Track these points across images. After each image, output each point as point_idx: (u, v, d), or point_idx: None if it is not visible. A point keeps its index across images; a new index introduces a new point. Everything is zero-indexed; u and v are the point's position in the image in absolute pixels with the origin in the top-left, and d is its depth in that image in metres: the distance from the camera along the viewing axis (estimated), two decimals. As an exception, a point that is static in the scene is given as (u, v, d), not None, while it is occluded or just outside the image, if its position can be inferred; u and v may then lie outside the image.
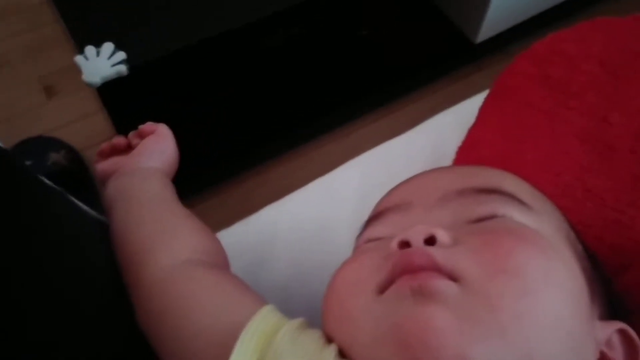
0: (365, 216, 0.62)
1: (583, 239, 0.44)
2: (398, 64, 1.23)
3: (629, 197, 0.46)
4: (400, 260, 0.34)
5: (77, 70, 0.87)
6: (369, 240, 0.42)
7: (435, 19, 1.28)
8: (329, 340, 0.36)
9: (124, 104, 0.94)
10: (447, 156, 0.61)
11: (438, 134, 0.68)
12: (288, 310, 0.59)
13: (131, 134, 0.58)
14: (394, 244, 0.35)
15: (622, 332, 0.38)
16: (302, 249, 0.62)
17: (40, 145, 1.18)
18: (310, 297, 0.60)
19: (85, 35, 0.88)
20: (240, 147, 1.09)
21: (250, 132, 1.09)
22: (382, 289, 0.34)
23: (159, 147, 0.55)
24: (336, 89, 1.16)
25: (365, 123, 1.24)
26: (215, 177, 1.11)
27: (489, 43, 1.26)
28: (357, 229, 0.62)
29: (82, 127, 1.24)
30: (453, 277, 0.32)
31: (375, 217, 0.44)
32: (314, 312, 0.58)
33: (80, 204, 0.48)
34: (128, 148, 0.57)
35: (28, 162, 1.15)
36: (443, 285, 0.32)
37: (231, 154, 1.09)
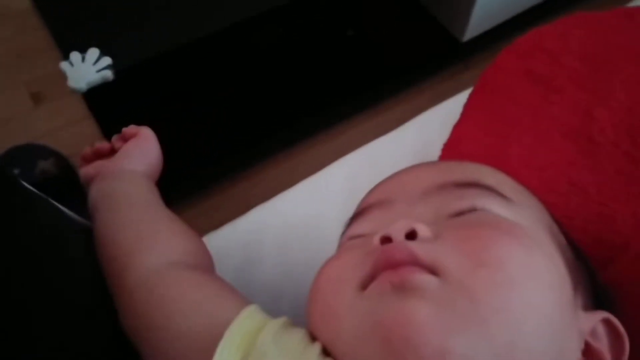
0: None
1: (567, 232, 0.44)
2: (385, 64, 1.23)
3: (612, 190, 0.47)
4: (382, 256, 0.34)
5: (64, 77, 0.87)
6: (352, 238, 0.42)
7: (421, 18, 1.29)
8: (313, 338, 0.36)
9: (111, 109, 0.94)
10: (434, 154, 0.62)
11: (424, 132, 0.68)
12: (278, 309, 0.59)
13: (114, 138, 0.58)
14: (376, 240, 0.36)
15: (606, 322, 0.38)
16: (291, 249, 0.62)
17: (28, 153, 1.18)
18: (300, 296, 0.59)
19: (70, 41, 0.88)
20: (229, 149, 1.09)
21: (238, 134, 1.09)
22: (365, 285, 0.34)
23: (141, 149, 0.54)
24: (324, 90, 1.17)
25: (354, 124, 1.24)
26: (204, 180, 1.11)
27: (476, 42, 1.26)
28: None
29: (71, 133, 1.24)
30: (433, 271, 0.33)
31: (358, 214, 0.44)
32: (304, 311, 0.58)
33: (65, 210, 0.48)
34: (111, 152, 0.57)
35: (16, 171, 1.15)
36: (423, 279, 0.32)
37: (220, 156, 1.09)
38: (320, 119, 1.19)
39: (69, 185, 1.16)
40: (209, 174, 1.10)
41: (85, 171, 0.56)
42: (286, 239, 0.62)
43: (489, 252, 0.33)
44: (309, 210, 0.64)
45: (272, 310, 0.58)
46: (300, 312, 0.57)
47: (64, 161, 1.20)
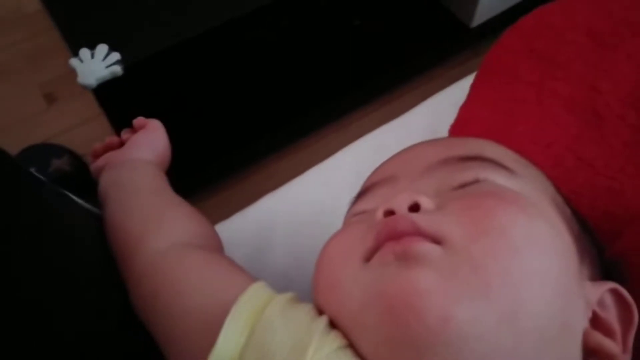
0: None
1: (572, 205, 0.44)
2: (394, 52, 1.22)
3: (619, 163, 0.46)
4: (384, 227, 0.34)
5: (76, 76, 0.88)
6: (356, 214, 0.42)
7: (428, 5, 1.28)
8: (320, 312, 0.36)
9: (122, 104, 0.94)
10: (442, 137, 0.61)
11: (433, 116, 0.68)
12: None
13: (124, 132, 0.59)
14: (379, 213, 0.36)
15: (614, 292, 0.37)
16: (301, 236, 0.62)
17: (42, 152, 1.19)
18: (311, 283, 0.60)
19: (79, 38, 0.89)
20: (240, 142, 1.09)
21: (249, 127, 1.09)
22: (368, 256, 0.34)
23: (149, 139, 0.55)
24: (333, 81, 1.16)
25: (364, 113, 1.24)
26: (216, 174, 1.11)
27: (485, 27, 1.25)
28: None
29: (84, 131, 1.25)
30: (436, 241, 0.33)
31: (362, 192, 0.44)
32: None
33: (72, 195, 0.48)
34: (121, 145, 0.57)
35: (32, 169, 1.16)
36: (426, 248, 0.32)
37: (231, 149, 1.09)
38: (330, 110, 1.19)
39: (84, 183, 1.17)
40: (220, 167, 1.11)
41: (95, 165, 0.57)
42: (296, 227, 0.62)
43: (492, 220, 0.33)
44: (319, 198, 0.65)
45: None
46: (311, 299, 0.58)
47: (78, 159, 1.21)
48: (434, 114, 0.69)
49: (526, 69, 0.54)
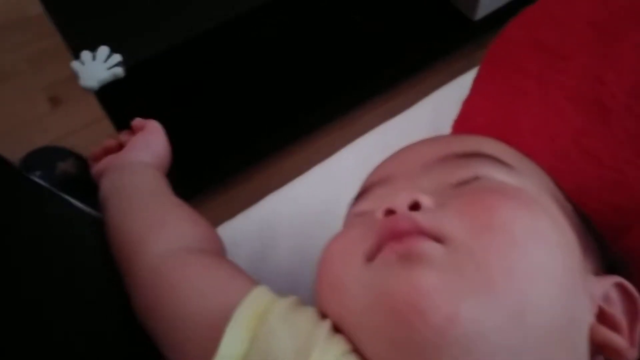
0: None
1: (582, 203, 0.44)
2: (396, 47, 1.21)
3: (625, 155, 0.45)
4: (386, 227, 0.34)
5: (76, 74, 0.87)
6: (356, 215, 0.42)
7: (431, -1, 1.27)
8: (323, 316, 0.36)
9: (124, 106, 0.94)
10: (446, 132, 0.61)
11: (436, 112, 0.68)
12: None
13: (122, 134, 0.58)
14: (379, 213, 0.35)
15: (619, 287, 0.37)
16: (304, 235, 0.62)
17: (47, 155, 1.19)
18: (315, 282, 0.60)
19: (80, 40, 0.89)
20: (243, 141, 1.09)
21: (252, 125, 1.09)
22: (370, 257, 0.34)
23: (147, 141, 0.55)
24: (335, 78, 1.16)
25: (369, 109, 1.23)
26: (220, 173, 1.11)
27: (488, 19, 1.24)
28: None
29: (89, 134, 1.26)
30: (438, 239, 0.32)
31: (361, 193, 0.44)
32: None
33: (73, 201, 0.48)
34: (120, 147, 0.57)
35: (37, 173, 1.17)
36: (428, 247, 0.32)
37: (235, 148, 1.09)
38: (333, 107, 1.18)
39: (89, 185, 1.17)
40: (223, 167, 1.11)
41: (95, 169, 0.57)
42: (300, 226, 0.62)
43: (493, 216, 0.33)
44: (323, 196, 0.64)
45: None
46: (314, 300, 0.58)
47: (83, 162, 1.21)
48: (437, 109, 0.68)
49: (530, 61, 0.53)
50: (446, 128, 0.62)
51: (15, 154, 1.20)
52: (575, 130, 0.48)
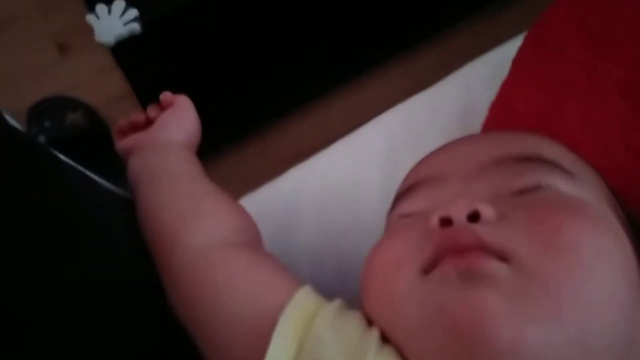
0: (391, 175, 0.60)
1: (625, 202, 0.42)
2: (413, 6, 1.17)
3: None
4: (445, 240, 0.32)
5: (90, 27, 0.85)
6: (403, 216, 0.40)
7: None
8: (370, 322, 0.35)
9: (140, 62, 0.91)
10: (477, 112, 0.59)
11: (466, 88, 0.65)
12: (318, 273, 0.59)
13: (150, 108, 0.56)
14: (434, 221, 0.34)
15: None
16: (329, 211, 0.61)
17: (57, 105, 1.17)
18: (341, 259, 0.59)
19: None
20: (258, 101, 1.07)
21: (267, 85, 1.06)
22: (426, 269, 0.32)
23: (178, 119, 0.53)
24: (352, 37, 1.12)
25: (386, 70, 1.20)
26: (236, 132, 1.09)
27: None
28: (384, 189, 0.61)
29: (99, 84, 1.23)
30: (502, 257, 0.31)
31: (406, 191, 0.41)
32: (344, 275, 0.58)
33: (103, 182, 0.47)
34: (147, 123, 0.55)
35: (47, 124, 1.15)
36: (493, 266, 0.30)
37: (249, 108, 1.07)
38: (350, 67, 1.15)
39: (99, 138, 1.15)
40: (240, 126, 1.09)
41: (121, 145, 0.54)
42: (325, 201, 0.61)
43: (562, 235, 0.32)
44: (347, 171, 0.63)
45: (314, 274, 0.58)
46: (341, 277, 0.57)
47: (93, 113, 1.19)
48: (467, 85, 0.65)
49: (575, 47, 0.51)
50: (477, 106, 0.60)
51: (22, 103, 1.19)
52: (623, 124, 0.47)
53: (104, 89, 1.21)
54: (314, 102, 1.14)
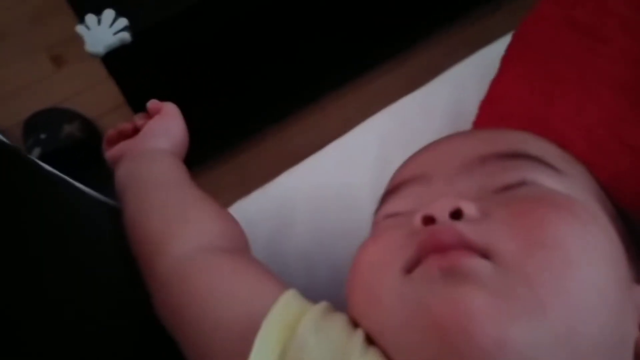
0: (385, 178, 0.60)
1: (618, 197, 0.41)
2: (408, 9, 1.17)
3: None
4: (427, 239, 0.31)
5: (83, 39, 0.85)
6: (388, 216, 0.39)
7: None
8: (355, 324, 0.34)
9: (131, 71, 0.91)
10: (469, 112, 0.58)
11: (457, 87, 0.64)
12: (311, 278, 0.58)
13: (137, 117, 0.56)
14: (417, 220, 0.33)
15: None
16: (322, 215, 0.60)
17: (52, 117, 1.17)
18: (333, 263, 0.58)
19: (84, 3, 0.85)
20: (250, 108, 1.07)
21: (259, 93, 1.06)
22: (409, 268, 0.32)
23: (165, 126, 0.52)
24: (348, 40, 1.12)
25: (379, 74, 1.20)
26: (230, 139, 1.09)
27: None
28: (378, 193, 0.60)
29: (94, 95, 1.23)
30: (485, 254, 0.30)
31: (392, 190, 0.41)
32: (338, 281, 0.57)
33: (87, 190, 0.46)
34: (135, 131, 0.55)
35: (42, 136, 1.15)
36: (475, 264, 0.30)
37: (244, 113, 1.07)
38: (346, 70, 1.15)
39: (95, 150, 1.15)
40: (235, 132, 1.08)
41: (110, 154, 0.54)
42: (317, 206, 0.60)
43: (546, 231, 0.31)
44: (339, 175, 0.62)
45: (307, 279, 0.57)
46: (333, 282, 0.56)
47: (89, 124, 1.19)
48: (458, 84, 0.65)
49: (565, 43, 0.50)
50: (468, 105, 0.59)
51: (18, 116, 1.18)
52: (615, 120, 0.46)
53: (100, 100, 1.21)
54: (310, 106, 1.14)
